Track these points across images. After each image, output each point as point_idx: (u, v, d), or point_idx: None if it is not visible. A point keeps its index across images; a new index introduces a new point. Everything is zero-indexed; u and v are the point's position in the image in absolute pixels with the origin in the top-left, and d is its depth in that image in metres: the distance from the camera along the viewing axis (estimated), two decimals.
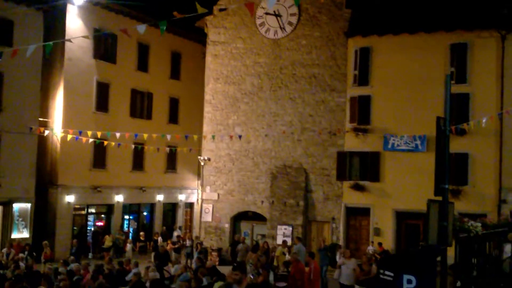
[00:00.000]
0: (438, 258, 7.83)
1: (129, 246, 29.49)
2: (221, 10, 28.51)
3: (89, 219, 32.42)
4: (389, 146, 26.81)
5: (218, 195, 30.14)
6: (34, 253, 24.62)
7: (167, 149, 33.41)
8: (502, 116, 24.14)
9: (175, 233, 31.96)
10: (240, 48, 29.60)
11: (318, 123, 27.99)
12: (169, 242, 29.35)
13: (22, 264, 20.04)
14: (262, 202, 29.04)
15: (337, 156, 27.73)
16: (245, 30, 29.48)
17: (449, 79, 8.44)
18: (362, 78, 27.52)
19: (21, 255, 23.36)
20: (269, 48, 28.89)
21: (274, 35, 28.63)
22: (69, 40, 19.54)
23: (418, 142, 26.20)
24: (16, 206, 28.35)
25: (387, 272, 10.68)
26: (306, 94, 28.27)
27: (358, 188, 27.38)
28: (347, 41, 27.82)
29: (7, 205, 28.02)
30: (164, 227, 35.37)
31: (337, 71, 27.83)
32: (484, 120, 22.02)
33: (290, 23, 28.25)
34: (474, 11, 25.59)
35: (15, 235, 28.14)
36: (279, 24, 28.37)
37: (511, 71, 25.31)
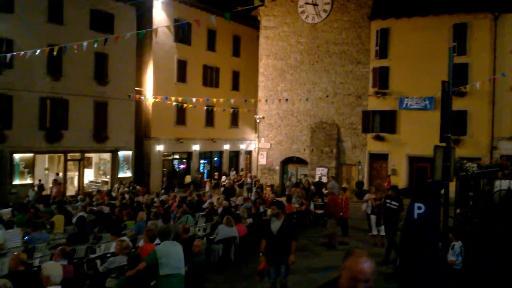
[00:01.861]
0: (442, 191, 7.71)
1: (206, 183, 31.53)
2: (272, 0, 29.65)
3: (174, 163, 34.04)
4: (403, 106, 28.00)
5: (270, 144, 31.99)
6: (136, 187, 26.69)
7: (231, 110, 35.16)
8: (494, 81, 24.90)
9: (232, 173, 33.33)
10: (285, 31, 31.03)
11: (347, 89, 29.46)
12: (228, 179, 30.44)
13: (126, 196, 22.13)
14: (304, 149, 30.76)
15: (362, 114, 29.20)
16: (289, 17, 30.84)
17: (451, 52, 8.44)
18: (382, 53, 28.68)
19: (126, 189, 25.23)
20: (308, 31, 30.32)
21: (312, 20, 30.14)
22: (155, 31, 20.52)
23: (427, 102, 27.25)
24: (121, 153, 30.41)
25: (393, 202, 12.10)
26: (337, 66, 29.67)
27: (378, 138, 28.81)
28: (370, 24, 28.89)
29: (114, 152, 30.02)
30: (232, 168, 36.09)
31: (362, 47, 29.15)
32: (478, 84, 22.90)
33: (324, 11, 29.72)
34: None
35: (120, 174, 30.21)
36: (316, 11, 29.93)
37: (502, 45, 26.03)
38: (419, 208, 6.82)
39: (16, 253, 7.58)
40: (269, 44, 32.01)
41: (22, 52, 16.43)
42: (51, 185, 25.99)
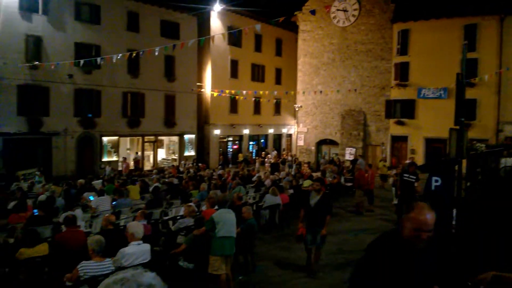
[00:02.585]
0: (456, 167, 7.36)
1: (255, 160, 31.52)
2: (310, 11, 29.39)
3: (228, 144, 34.18)
4: (421, 95, 27.49)
5: (307, 129, 31.98)
6: (199, 164, 26.69)
7: (274, 100, 35.09)
8: (500, 74, 24.44)
9: (273, 153, 33.09)
10: (319, 34, 30.68)
11: (372, 81, 29.07)
12: (269, 157, 30.85)
13: (191, 171, 22.28)
14: (336, 133, 30.59)
15: (385, 102, 28.76)
16: (323, 22, 30.42)
17: (465, 48, 8.16)
18: (403, 50, 28.05)
19: (190, 165, 26.04)
20: (339, 33, 29.91)
21: (343, 24, 29.70)
22: (212, 38, 20.89)
23: (441, 92, 26.77)
24: (186, 136, 30.95)
25: (411, 176, 11.54)
26: (364, 63, 29.19)
27: (399, 123, 28.37)
28: (392, 26, 28.27)
29: (181, 136, 30.52)
30: (273, 148, 35.71)
31: (385, 46, 28.59)
32: (486, 77, 22.86)
33: (353, 16, 29.22)
34: (480, 1, 25.54)
35: (186, 153, 30.82)
36: (346, 16, 29.48)
37: (507, 43, 25.29)
38: (436, 181, 6.79)
39: (106, 215, 7.87)
40: (306, 45, 31.69)
41: (108, 56, 16.93)
42: (124, 162, 26.32)
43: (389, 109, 28.82)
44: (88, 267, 5.16)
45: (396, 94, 28.65)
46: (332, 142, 31.38)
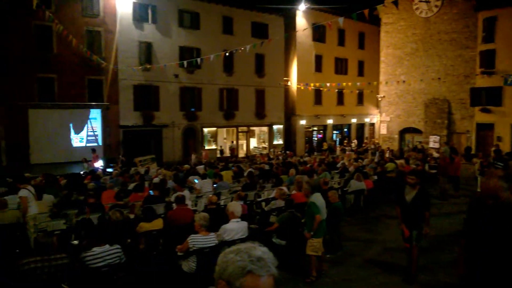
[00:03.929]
0: None
1: (337, 149, 31.40)
2: (393, 3, 28.33)
3: (313, 133, 34.03)
4: (508, 82, 24.84)
5: (390, 118, 30.61)
6: (286, 152, 27.18)
7: (357, 92, 34.17)
8: None
9: (353, 142, 33.23)
10: (402, 25, 29.13)
11: (456, 70, 26.98)
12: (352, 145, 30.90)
13: (280, 158, 22.74)
14: (419, 121, 28.92)
15: (470, 90, 26.56)
16: (405, 14, 28.82)
17: None
18: (488, 38, 25.74)
19: (279, 152, 26.38)
20: (421, 23, 28.13)
21: (425, 14, 27.86)
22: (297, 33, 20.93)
23: None
24: (275, 127, 31.24)
25: (498, 163, 11.26)
26: (448, 52, 27.16)
27: (485, 111, 26.20)
28: (476, 14, 25.92)
29: (270, 126, 30.94)
30: (354, 138, 35.96)
31: (470, 34, 26.35)
32: None
33: (436, 6, 27.28)
34: None
35: (275, 142, 31.16)
36: (428, 7, 27.58)
37: None
38: None
39: (210, 196, 8.23)
40: (388, 37, 30.27)
41: (207, 56, 17.61)
42: (204, 150, 26.76)
43: (474, 97, 26.57)
44: (196, 240, 5.46)
45: (481, 82, 26.29)
46: (415, 131, 29.70)
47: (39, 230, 7.20)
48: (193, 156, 24.56)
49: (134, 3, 24.13)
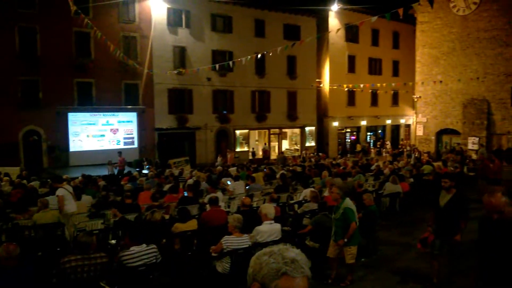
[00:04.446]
0: None
1: (372, 150, 31.22)
2: (428, 0, 25.98)
3: (346, 135, 33.78)
4: None
5: (427, 119, 29.50)
6: (319, 153, 27.10)
7: (392, 92, 33.45)
8: None
9: (387, 144, 32.58)
10: (438, 24, 28.13)
11: (496, 69, 25.75)
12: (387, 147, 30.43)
13: (312, 160, 22.48)
14: (457, 122, 27.77)
15: (511, 90, 25.32)
16: (442, 12, 27.85)
17: None
18: None
19: (311, 154, 26.27)
20: (459, 21, 27.10)
21: (463, 12, 26.84)
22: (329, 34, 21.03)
23: None
24: (307, 128, 31.18)
25: None
26: (487, 50, 25.96)
27: None
28: None
29: (302, 128, 30.94)
30: (388, 140, 35.52)
31: (511, 31, 25.05)
32: None
33: (474, 3, 26.16)
34: None
35: (307, 144, 31.07)
36: (466, 4, 26.57)
37: None
38: None
39: (243, 197, 8.27)
40: (424, 36, 29.26)
41: (238, 59, 17.72)
42: (229, 152, 26.42)
43: None
44: (230, 241, 5.50)
45: None
46: (453, 132, 28.64)
47: (79, 230, 7.45)
48: (219, 159, 24.74)
49: (168, 8, 24.65)
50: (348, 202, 6.17)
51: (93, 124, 23.23)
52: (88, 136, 23.05)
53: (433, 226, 5.93)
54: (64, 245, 7.31)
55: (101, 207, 8.98)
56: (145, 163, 21.63)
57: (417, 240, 6.21)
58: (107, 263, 4.56)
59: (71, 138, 22.43)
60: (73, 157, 22.23)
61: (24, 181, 13.35)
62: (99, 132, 23.47)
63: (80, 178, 14.18)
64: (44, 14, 21.18)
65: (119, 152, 20.42)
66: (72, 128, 22.48)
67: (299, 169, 16.56)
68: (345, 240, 6.08)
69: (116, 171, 19.51)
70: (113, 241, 6.83)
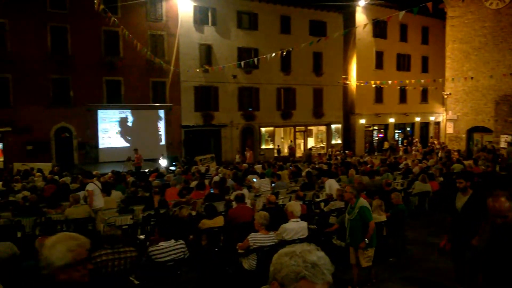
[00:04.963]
0: None
1: (400, 148, 30.39)
2: None
3: (373, 133, 33.24)
4: None
5: (457, 116, 28.72)
6: (345, 151, 26.71)
7: (421, 89, 32.81)
8: None
9: (416, 141, 31.77)
10: (470, 18, 27.28)
11: None
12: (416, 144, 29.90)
13: (338, 157, 22.18)
14: (489, 120, 26.87)
15: None
16: (473, 5, 27.01)
17: None
18: None
19: (337, 152, 25.73)
20: (491, 15, 26.15)
21: (496, 6, 25.88)
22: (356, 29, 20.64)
23: None
24: (333, 126, 30.93)
25: None
26: None
27: None
28: None
29: (328, 125, 30.67)
30: (416, 138, 34.72)
31: None
32: None
33: None
34: None
35: (333, 142, 30.70)
36: None
37: None
38: None
39: (268, 195, 8.28)
40: (455, 31, 28.38)
41: (263, 56, 17.71)
42: (248, 151, 26.21)
43: None
44: (257, 238, 5.52)
45: None
46: (484, 129, 27.73)
47: (108, 224, 7.63)
48: (237, 156, 24.65)
49: (194, 6, 24.88)
50: (363, 201, 5.93)
51: (122, 121, 23.70)
52: (117, 133, 23.52)
53: (450, 234, 5.35)
54: (95, 239, 7.50)
55: (130, 202, 9.17)
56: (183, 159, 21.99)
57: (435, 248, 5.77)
58: (136, 257, 4.64)
59: (100, 135, 22.96)
60: (103, 153, 22.76)
61: (56, 177, 13.76)
62: (127, 129, 23.91)
63: (109, 174, 14.51)
64: (74, 13, 21.74)
65: (135, 149, 20.59)
66: (101, 125, 23.01)
67: (325, 167, 16.46)
68: (366, 241, 5.80)
69: (134, 169, 19.43)
70: (142, 236, 6.96)
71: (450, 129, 29.75)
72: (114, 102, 23.24)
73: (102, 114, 23.04)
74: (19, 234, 7.24)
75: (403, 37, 33.00)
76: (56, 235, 2.30)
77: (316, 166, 17.15)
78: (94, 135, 22.76)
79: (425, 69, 34.22)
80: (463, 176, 5.42)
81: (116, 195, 10.13)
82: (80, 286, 2.19)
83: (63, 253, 2.16)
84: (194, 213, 7.91)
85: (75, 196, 8.18)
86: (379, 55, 31.85)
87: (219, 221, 6.85)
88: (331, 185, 10.17)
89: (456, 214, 5.27)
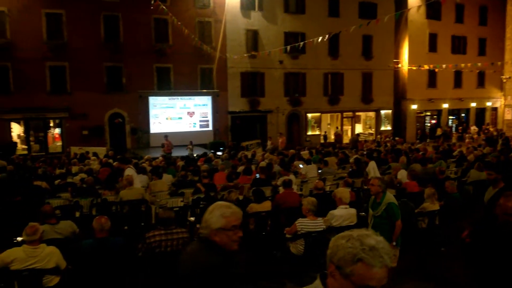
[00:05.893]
0: None
1: (454, 135, 28.82)
2: None
3: (426, 119, 31.97)
4: None
5: None
6: (395, 138, 25.94)
7: (477, 72, 31.23)
8: None
9: (472, 128, 30.67)
10: None
11: None
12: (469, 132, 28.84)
13: (388, 144, 21.46)
14: None
15: None
16: None
17: None
18: None
19: (387, 139, 25.40)
20: None
21: None
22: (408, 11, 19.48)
23: None
24: (382, 112, 30.27)
25: None
26: None
27: None
28: None
29: (377, 111, 29.98)
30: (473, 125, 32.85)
31: None
32: None
33: None
34: None
35: (382, 128, 30.13)
36: None
37: None
38: None
39: (316, 181, 8.23)
40: None
41: (310, 40, 17.45)
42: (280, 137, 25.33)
43: None
44: (304, 224, 5.52)
45: None
46: None
47: (161, 206, 7.92)
48: (269, 143, 24.13)
49: None
50: (391, 197, 5.26)
51: (172, 107, 24.33)
52: (167, 118, 24.23)
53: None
54: (147, 220, 7.83)
55: (181, 186, 9.45)
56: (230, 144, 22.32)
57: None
58: (187, 238, 4.78)
59: (151, 120, 23.72)
60: (153, 138, 23.52)
61: (110, 160, 14.41)
62: (177, 115, 24.55)
63: (160, 158, 15.00)
64: (125, 2, 22.37)
65: (166, 135, 20.61)
66: (152, 111, 23.75)
67: (374, 154, 16.03)
68: (394, 243, 5.10)
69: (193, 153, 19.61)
70: (192, 218, 7.16)
71: (508, 115, 28.85)
72: (164, 89, 23.87)
73: (153, 100, 23.75)
74: (77, 214, 7.63)
75: (459, 18, 31.36)
76: (215, 203, 2.65)
77: (365, 152, 16.67)
78: (146, 121, 23.54)
79: (482, 51, 32.36)
80: (494, 168, 4.86)
81: (167, 178, 10.47)
82: (226, 251, 2.48)
83: (218, 217, 2.49)
84: (241, 197, 8.01)
85: (129, 179, 8.51)
86: (433, 38, 30.45)
87: (266, 205, 6.91)
88: (374, 168, 10.04)
89: (484, 208, 4.96)
